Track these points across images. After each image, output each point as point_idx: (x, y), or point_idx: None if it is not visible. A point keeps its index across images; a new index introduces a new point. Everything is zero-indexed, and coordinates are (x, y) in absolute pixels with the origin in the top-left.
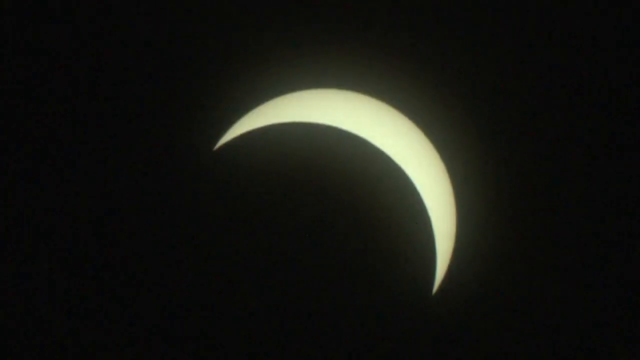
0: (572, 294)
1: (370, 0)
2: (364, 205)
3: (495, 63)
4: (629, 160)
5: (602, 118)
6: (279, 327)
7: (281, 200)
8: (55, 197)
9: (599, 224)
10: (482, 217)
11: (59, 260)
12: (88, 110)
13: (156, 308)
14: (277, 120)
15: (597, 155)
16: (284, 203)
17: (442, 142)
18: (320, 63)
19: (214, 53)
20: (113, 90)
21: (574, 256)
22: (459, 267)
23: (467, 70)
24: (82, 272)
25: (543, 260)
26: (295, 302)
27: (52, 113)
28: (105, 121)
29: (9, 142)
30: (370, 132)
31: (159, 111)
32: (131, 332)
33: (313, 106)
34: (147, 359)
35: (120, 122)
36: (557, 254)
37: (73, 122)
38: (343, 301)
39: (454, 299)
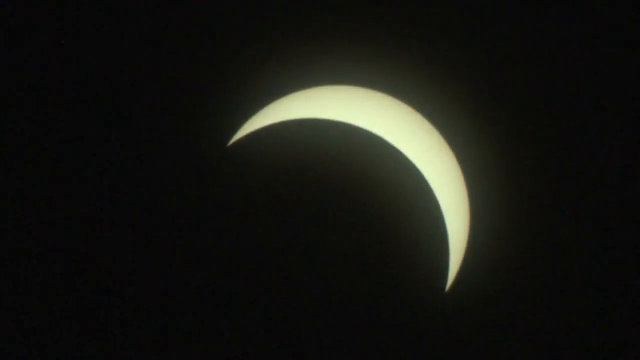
0: (585, 292)
1: None
2: (376, 202)
3: (511, 61)
4: None
5: (621, 118)
6: (288, 323)
7: (294, 197)
8: (69, 194)
9: (614, 223)
10: (495, 215)
11: (72, 257)
12: (103, 109)
13: (169, 303)
14: (291, 117)
15: (613, 155)
16: (297, 199)
17: (455, 139)
18: (333, 60)
19: (227, 50)
20: (129, 90)
21: (587, 253)
22: (472, 264)
23: (482, 68)
24: (94, 269)
25: (556, 258)
26: (308, 298)
27: (68, 112)
28: (120, 120)
29: (30, 143)
30: (384, 129)
31: (173, 109)
32: (147, 326)
33: (326, 103)
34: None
35: (134, 120)
36: (571, 252)
37: (88, 121)
38: (356, 298)
39: (467, 296)
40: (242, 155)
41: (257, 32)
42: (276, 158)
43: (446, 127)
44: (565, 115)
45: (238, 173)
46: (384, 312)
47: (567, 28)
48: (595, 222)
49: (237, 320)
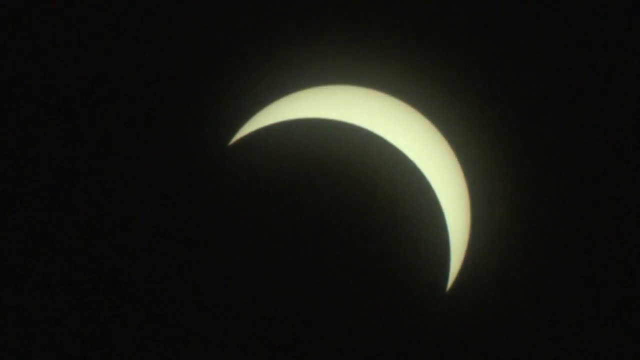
0: (586, 291)
1: None
2: (377, 202)
3: (512, 60)
4: None
5: (622, 118)
6: (288, 322)
7: (295, 197)
8: (68, 194)
9: (615, 222)
10: (496, 214)
11: (72, 258)
12: (103, 110)
13: (170, 304)
14: (292, 116)
15: (614, 155)
16: (298, 199)
17: (456, 139)
18: (335, 59)
19: (229, 49)
20: (129, 91)
21: (588, 253)
22: (473, 264)
23: (482, 66)
24: (93, 269)
25: (558, 257)
26: (309, 298)
27: (68, 112)
28: (121, 120)
29: (28, 144)
30: (384, 129)
31: (174, 109)
32: (147, 326)
33: (327, 103)
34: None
35: (134, 120)
36: (572, 252)
37: (89, 121)
38: (356, 298)
39: (468, 297)
40: (243, 155)
41: (257, 32)
42: (277, 158)
43: (447, 126)
44: (566, 114)
45: (239, 173)
46: (384, 312)
47: (568, 27)
48: (597, 222)
49: (237, 319)
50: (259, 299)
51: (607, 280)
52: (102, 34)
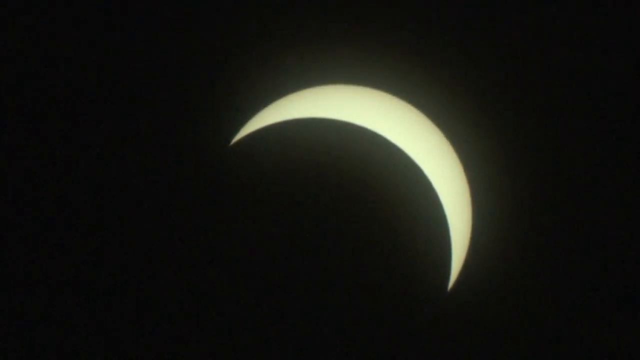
0: (586, 292)
1: None
2: (379, 201)
3: (513, 58)
4: None
5: (622, 117)
6: (289, 322)
7: (296, 196)
8: (69, 194)
9: (615, 222)
10: (497, 214)
11: (73, 258)
12: (105, 110)
13: (171, 304)
14: (293, 116)
15: (615, 155)
16: (299, 199)
17: (457, 138)
18: (335, 59)
19: (230, 49)
20: (130, 91)
21: (589, 253)
22: (474, 263)
23: (483, 65)
24: (94, 270)
25: (558, 258)
26: (310, 298)
27: (69, 112)
28: (122, 120)
29: (30, 144)
30: (385, 128)
31: (175, 109)
32: (147, 326)
33: (328, 102)
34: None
35: (136, 120)
36: (573, 252)
37: (90, 122)
38: (357, 298)
39: (470, 296)
40: (244, 154)
41: (257, 32)
42: (278, 157)
43: (448, 126)
44: (567, 114)
45: (240, 173)
46: (385, 311)
47: (568, 27)
48: (597, 222)
49: (237, 319)
50: (260, 299)
51: (608, 280)
52: (103, 34)
